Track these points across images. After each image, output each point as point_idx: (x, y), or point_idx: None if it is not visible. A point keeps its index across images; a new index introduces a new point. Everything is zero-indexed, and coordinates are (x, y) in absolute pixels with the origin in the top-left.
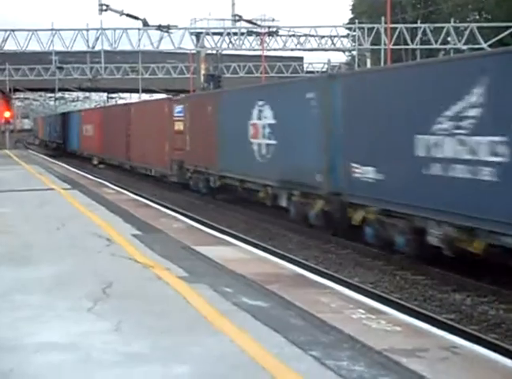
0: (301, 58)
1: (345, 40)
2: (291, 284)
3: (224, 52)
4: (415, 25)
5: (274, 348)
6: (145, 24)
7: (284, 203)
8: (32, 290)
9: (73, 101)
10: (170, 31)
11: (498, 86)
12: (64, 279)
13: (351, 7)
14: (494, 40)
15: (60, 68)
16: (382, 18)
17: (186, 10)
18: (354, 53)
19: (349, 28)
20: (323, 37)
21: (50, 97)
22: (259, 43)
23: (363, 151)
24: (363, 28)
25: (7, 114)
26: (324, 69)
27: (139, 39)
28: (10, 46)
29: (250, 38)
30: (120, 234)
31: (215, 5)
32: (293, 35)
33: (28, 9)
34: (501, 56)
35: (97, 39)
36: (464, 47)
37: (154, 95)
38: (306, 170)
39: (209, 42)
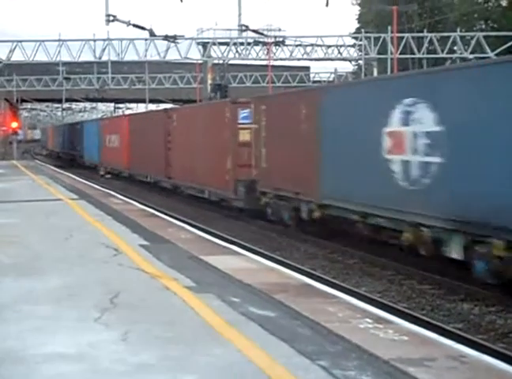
0: (308, 68)
1: (352, 50)
2: (298, 294)
3: (231, 62)
4: (421, 34)
5: (282, 358)
6: (152, 34)
7: (456, 254)
8: (40, 301)
9: (80, 111)
10: (176, 41)
11: None
12: (71, 290)
13: (357, 17)
14: (500, 49)
15: (67, 78)
16: (389, 27)
17: (192, 20)
18: (360, 62)
19: (356, 38)
20: (330, 47)
21: (58, 107)
22: (266, 52)
23: None
24: (369, 38)
25: (14, 125)
26: (331, 79)
27: (146, 50)
28: (17, 57)
29: (257, 48)
30: (128, 245)
31: (221, 15)
32: (300, 45)
33: (35, 20)
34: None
35: (104, 49)
36: (471, 56)
37: (161, 105)
38: None
39: (216, 52)
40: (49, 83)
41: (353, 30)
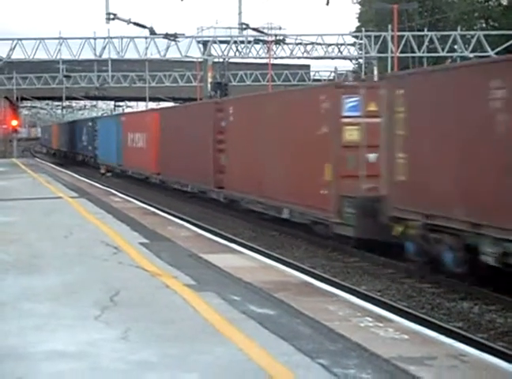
0: (308, 66)
1: (352, 48)
2: (298, 292)
3: (231, 60)
4: (422, 33)
5: (282, 356)
6: (152, 32)
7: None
8: (40, 299)
9: (80, 109)
10: (177, 39)
11: None
12: (72, 288)
13: (357, 15)
14: (501, 48)
15: (67, 76)
16: (389, 26)
17: (192, 19)
18: (361, 61)
19: (356, 36)
20: (330, 45)
21: (58, 106)
22: (266, 51)
23: None
24: (369, 36)
25: (14, 123)
26: (331, 77)
27: (146, 48)
28: (17, 55)
29: (257, 46)
30: (128, 243)
31: (222, 14)
32: (300, 44)
33: (36, 18)
34: None
35: (104, 47)
36: (471, 55)
37: (161, 103)
38: None
39: (216, 50)
40: (49, 81)
41: (353, 28)
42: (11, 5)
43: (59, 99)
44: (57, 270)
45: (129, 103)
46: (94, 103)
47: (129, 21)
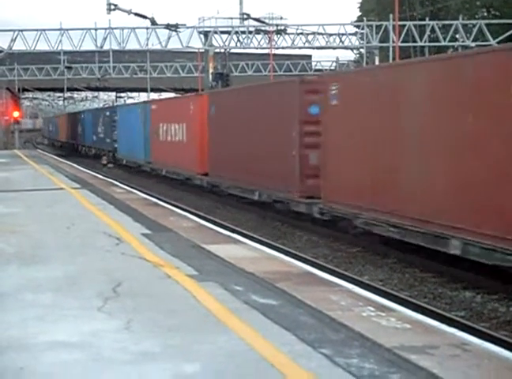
0: (309, 56)
1: (353, 38)
2: (300, 282)
3: (232, 51)
4: (423, 22)
5: (284, 346)
6: (153, 23)
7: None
8: (42, 289)
9: (81, 100)
10: (178, 30)
11: None
12: (74, 278)
13: (359, 5)
14: (503, 37)
15: (68, 67)
16: (390, 15)
17: (194, 9)
18: (362, 51)
19: (357, 26)
20: (331, 35)
21: (59, 97)
22: (267, 41)
23: None
24: (371, 26)
25: (16, 114)
26: (332, 67)
27: (147, 39)
28: (19, 46)
29: (258, 36)
30: (130, 233)
31: (223, 4)
32: (301, 34)
33: (37, 9)
34: None
35: (105, 38)
36: (473, 44)
37: (163, 94)
38: None
39: (217, 40)
40: (50, 72)
41: (355, 18)
42: None
43: (61, 90)
44: (59, 261)
45: (130, 94)
46: (95, 94)
47: (130, 12)
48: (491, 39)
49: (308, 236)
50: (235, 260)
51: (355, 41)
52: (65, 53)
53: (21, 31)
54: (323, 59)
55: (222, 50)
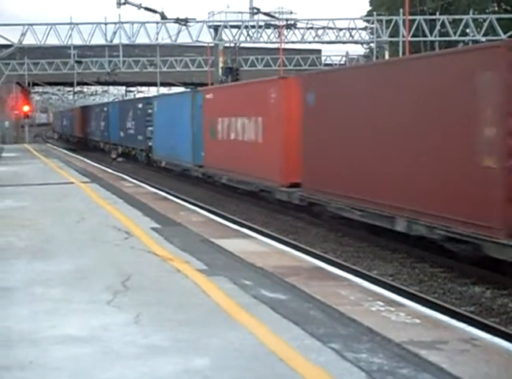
0: (319, 51)
1: (363, 33)
2: (310, 277)
3: (242, 45)
4: (433, 17)
5: (293, 341)
6: (163, 17)
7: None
8: (52, 283)
9: (91, 95)
10: (188, 24)
11: None
12: (84, 272)
13: None
14: None
15: (78, 62)
16: (401, 10)
17: (203, 3)
18: (372, 45)
19: (367, 21)
20: (341, 30)
21: (69, 91)
22: (277, 35)
23: None
24: (381, 21)
25: (26, 108)
26: (342, 62)
27: (157, 33)
28: (29, 40)
29: (268, 31)
30: (139, 228)
31: None
32: (311, 28)
33: (47, 3)
34: None
35: (115, 32)
36: (483, 39)
37: (172, 88)
38: None
39: (227, 35)
40: (60, 66)
41: (365, 13)
42: None
43: (71, 84)
44: (69, 255)
45: (140, 88)
46: (105, 88)
47: (140, 6)
48: (501, 33)
49: (317, 230)
50: (245, 255)
51: (365, 35)
52: (75, 47)
53: (31, 25)
54: (333, 54)
55: (232, 45)
